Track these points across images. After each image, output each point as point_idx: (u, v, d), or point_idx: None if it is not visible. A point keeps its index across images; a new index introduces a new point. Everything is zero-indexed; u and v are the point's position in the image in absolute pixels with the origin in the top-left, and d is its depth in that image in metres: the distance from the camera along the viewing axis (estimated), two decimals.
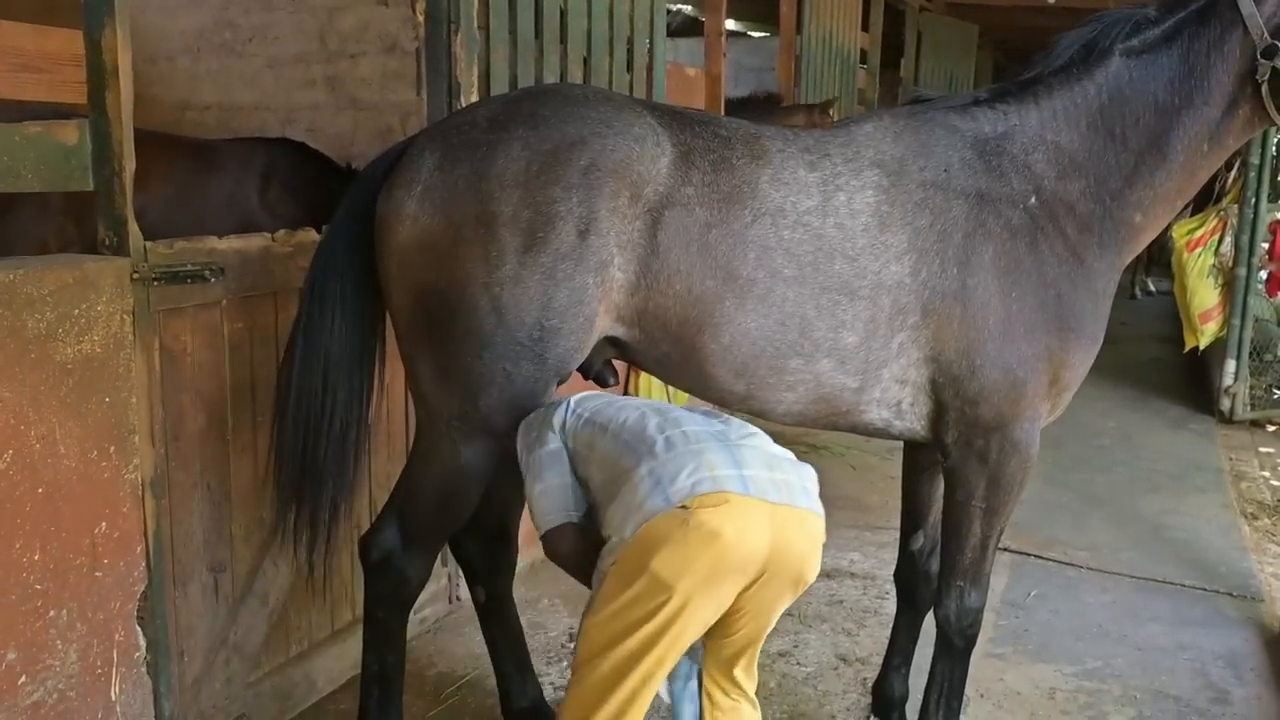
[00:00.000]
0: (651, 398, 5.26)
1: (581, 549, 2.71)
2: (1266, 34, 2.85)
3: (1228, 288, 7.89)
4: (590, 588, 2.79)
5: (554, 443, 2.74)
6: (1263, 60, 2.86)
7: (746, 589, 2.51)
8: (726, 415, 2.77)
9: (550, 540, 2.74)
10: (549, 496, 2.71)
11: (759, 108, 6.82)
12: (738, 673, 2.77)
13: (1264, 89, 2.88)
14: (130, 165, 2.73)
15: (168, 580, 3.02)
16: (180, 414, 3.05)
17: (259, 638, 3.43)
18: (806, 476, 2.60)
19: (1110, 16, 3.00)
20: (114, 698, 2.79)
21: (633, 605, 2.44)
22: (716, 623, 2.55)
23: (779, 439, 2.69)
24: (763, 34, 13.14)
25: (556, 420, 2.77)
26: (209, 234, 3.15)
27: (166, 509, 2.98)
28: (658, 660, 2.50)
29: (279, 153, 4.23)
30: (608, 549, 2.54)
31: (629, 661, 2.48)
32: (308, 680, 3.66)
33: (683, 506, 2.40)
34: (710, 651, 2.64)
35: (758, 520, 2.44)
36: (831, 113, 6.84)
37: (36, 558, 2.56)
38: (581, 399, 2.83)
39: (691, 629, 2.50)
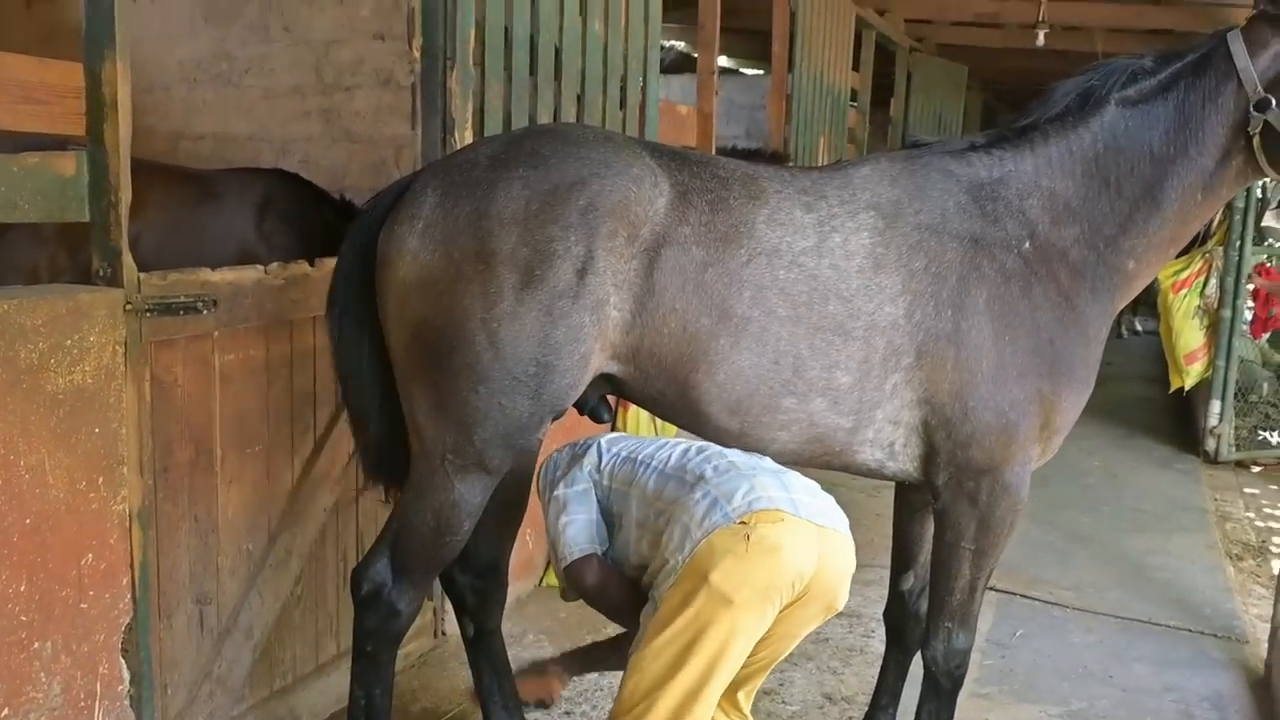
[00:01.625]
0: (640, 432, 5.27)
1: (607, 581, 2.78)
2: (1260, 87, 2.89)
3: (1213, 329, 7.97)
4: (614, 619, 2.84)
5: (582, 484, 2.84)
6: (1255, 113, 2.89)
7: (784, 609, 2.57)
8: (758, 453, 2.85)
9: (574, 571, 2.80)
10: (575, 528, 2.80)
11: (764, 164, 6.91)
12: (741, 696, 2.83)
13: (1255, 141, 2.92)
14: (126, 197, 2.73)
15: (153, 612, 2.99)
16: (169, 445, 3.04)
17: (243, 671, 3.41)
18: (839, 507, 2.70)
19: (1107, 66, 3.04)
20: None
21: (692, 624, 2.50)
22: None
23: None
24: (755, 72, 13.24)
25: (588, 463, 2.87)
26: (205, 264, 3.15)
27: (154, 540, 2.96)
28: (721, 684, 2.55)
29: (275, 183, 4.23)
30: (662, 576, 2.61)
31: (695, 689, 2.52)
32: (291, 715, 3.63)
33: (742, 522, 2.48)
34: None
35: (809, 540, 2.55)
36: None
37: (22, 589, 2.54)
38: (611, 440, 2.95)
39: (745, 648, 2.55)
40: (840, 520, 2.68)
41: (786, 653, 2.76)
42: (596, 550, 2.80)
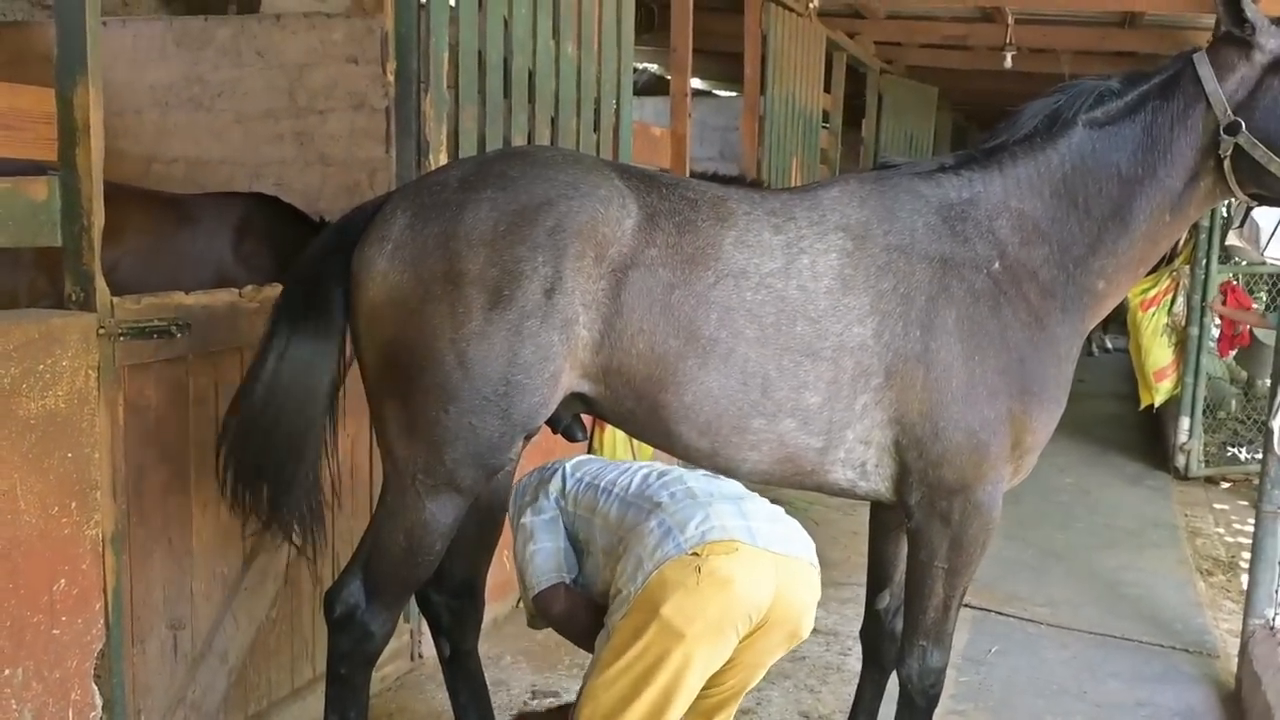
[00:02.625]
0: (616, 451, 5.28)
1: (574, 609, 2.76)
2: (1229, 110, 2.90)
3: (1181, 346, 8.06)
4: (583, 646, 2.82)
5: (549, 511, 2.82)
6: (1225, 136, 2.90)
7: (744, 639, 2.55)
8: (721, 476, 2.84)
9: (543, 600, 2.78)
10: (542, 557, 2.78)
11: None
12: None
13: (1226, 164, 2.92)
14: (99, 221, 2.73)
15: (126, 638, 2.97)
16: (143, 469, 3.03)
17: (218, 696, 3.38)
18: (804, 533, 2.69)
19: (1074, 88, 3.06)
20: None
21: (643, 656, 2.48)
22: None
23: None
24: (728, 94, 13.33)
25: (554, 488, 2.85)
26: (184, 288, 3.15)
27: (127, 565, 2.95)
28: (676, 715, 2.53)
29: (253, 206, 4.24)
30: (615, 605, 2.59)
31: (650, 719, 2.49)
32: None
33: (694, 553, 2.47)
34: (692, 702, 2.65)
35: (765, 569, 2.52)
36: None
37: None
38: (577, 464, 2.92)
39: (699, 680, 2.53)
40: (803, 546, 2.65)
41: (756, 680, 2.74)
42: (564, 579, 2.78)
